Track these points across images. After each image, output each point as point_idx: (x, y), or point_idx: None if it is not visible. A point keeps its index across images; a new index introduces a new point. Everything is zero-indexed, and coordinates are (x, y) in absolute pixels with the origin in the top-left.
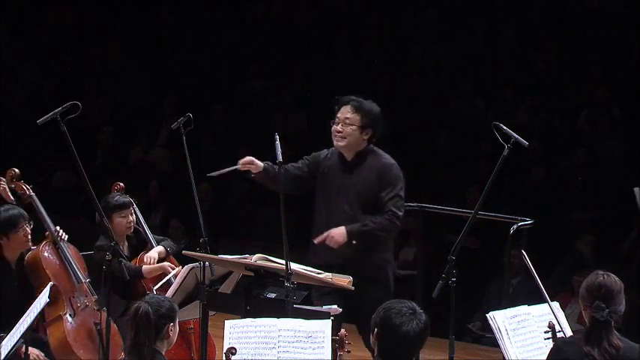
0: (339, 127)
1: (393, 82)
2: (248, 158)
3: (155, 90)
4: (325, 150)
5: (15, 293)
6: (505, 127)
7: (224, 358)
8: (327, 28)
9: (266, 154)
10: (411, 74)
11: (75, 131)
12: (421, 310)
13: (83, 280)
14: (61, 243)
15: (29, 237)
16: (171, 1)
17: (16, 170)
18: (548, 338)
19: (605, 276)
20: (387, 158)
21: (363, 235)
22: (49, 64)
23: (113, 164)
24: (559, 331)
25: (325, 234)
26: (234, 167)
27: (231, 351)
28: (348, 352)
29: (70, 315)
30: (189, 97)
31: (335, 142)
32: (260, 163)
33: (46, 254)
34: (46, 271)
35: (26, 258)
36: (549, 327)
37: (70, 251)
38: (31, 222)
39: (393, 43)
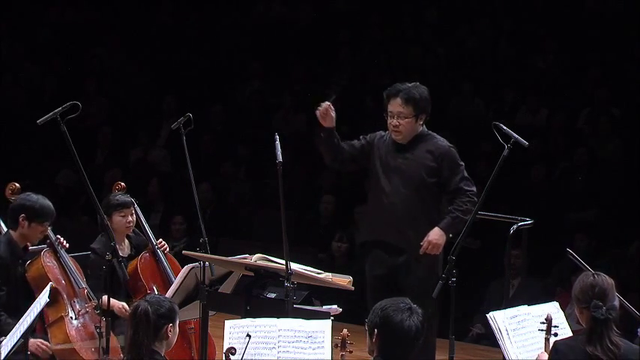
0: (395, 122)
1: (393, 82)
2: (327, 107)
3: (155, 90)
4: (382, 131)
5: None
6: (505, 127)
7: (224, 358)
8: (327, 28)
9: (266, 154)
10: (411, 74)
11: (75, 131)
12: (415, 305)
13: (83, 286)
14: (62, 251)
15: (44, 234)
16: (172, 1)
17: (17, 185)
18: (542, 330)
19: (596, 275)
20: (442, 141)
21: (456, 225)
22: (49, 64)
23: (113, 164)
24: (554, 327)
25: (425, 243)
26: None
27: (231, 351)
28: (350, 352)
29: (72, 317)
30: (189, 97)
31: (393, 136)
32: (333, 118)
33: (47, 261)
34: (48, 275)
35: (27, 269)
36: (546, 319)
37: (69, 260)
38: (50, 225)
39: (393, 43)
